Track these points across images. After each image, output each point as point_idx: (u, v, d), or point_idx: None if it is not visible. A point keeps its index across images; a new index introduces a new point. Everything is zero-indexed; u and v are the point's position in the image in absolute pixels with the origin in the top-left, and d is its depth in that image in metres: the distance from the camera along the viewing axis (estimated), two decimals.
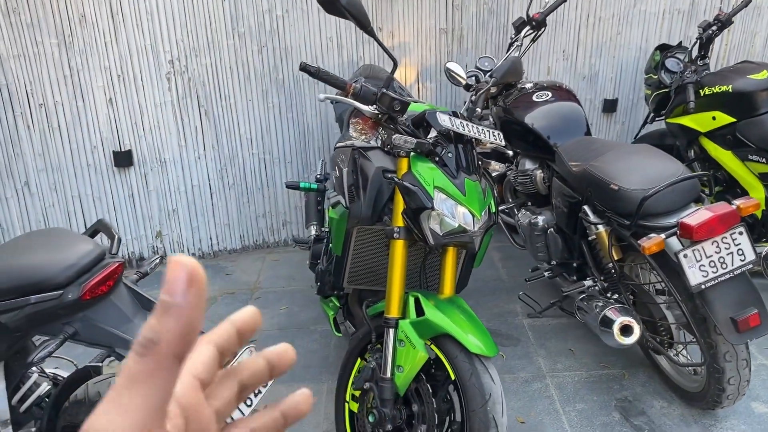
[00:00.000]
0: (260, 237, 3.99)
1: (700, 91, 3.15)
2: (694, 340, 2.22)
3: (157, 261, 1.71)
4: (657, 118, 3.62)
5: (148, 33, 3.35)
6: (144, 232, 3.72)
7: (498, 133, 2.01)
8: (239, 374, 0.37)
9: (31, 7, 3.15)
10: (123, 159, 3.51)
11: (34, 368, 1.91)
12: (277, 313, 3.22)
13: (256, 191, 3.87)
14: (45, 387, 1.87)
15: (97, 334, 1.40)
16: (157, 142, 3.57)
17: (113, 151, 3.49)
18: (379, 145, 2.15)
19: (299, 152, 3.84)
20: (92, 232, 1.68)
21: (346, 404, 2.13)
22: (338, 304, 2.49)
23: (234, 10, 3.44)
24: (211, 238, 3.90)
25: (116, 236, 1.61)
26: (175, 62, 3.45)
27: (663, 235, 2.00)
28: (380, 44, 1.87)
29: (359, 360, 2.13)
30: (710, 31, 3.31)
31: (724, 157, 3.13)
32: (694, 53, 3.38)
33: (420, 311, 1.86)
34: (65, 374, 2.02)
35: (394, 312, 1.89)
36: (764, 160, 2.92)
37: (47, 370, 2.00)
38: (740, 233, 1.96)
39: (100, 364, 1.92)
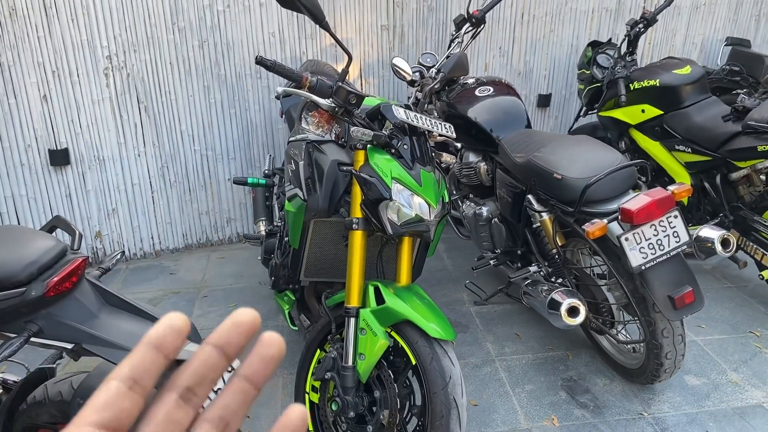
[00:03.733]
0: (204, 235, 3.94)
1: (630, 85, 3.33)
2: (634, 318, 2.36)
3: (118, 257, 1.69)
4: (589, 112, 3.79)
5: (84, 27, 3.25)
6: (82, 232, 3.60)
7: (449, 126, 2.08)
8: (176, 382, 0.33)
9: None
10: (59, 157, 3.39)
11: None
12: (226, 311, 3.19)
13: (198, 188, 3.81)
14: None
15: (62, 331, 1.37)
16: (95, 140, 3.47)
17: (49, 150, 3.37)
18: (332, 138, 2.19)
19: (243, 148, 3.81)
20: (49, 228, 1.64)
21: (306, 395, 2.16)
22: (293, 298, 2.51)
23: (174, 5, 3.38)
24: (152, 237, 3.82)
25: (76, 232, 1.58)
26: (113, 57, 3.36)
27: (605, 221, 2.12)
28: (335, 38, 1.90)
29: (318, 351, 2.16)
30: (637, 29, 3.50)
31: (653, 147, 3.32)
32: (623, 49, 3.56)
33: (380, 300, 1.91)
34: (15, 378, 1.95)
35: (354, 301, 1.93)
36: (689, 149, 3.12)
37: None
38: (675, 216, 2.11)
39: (54, 366, 1.88)
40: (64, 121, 3.36)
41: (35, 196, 3.43)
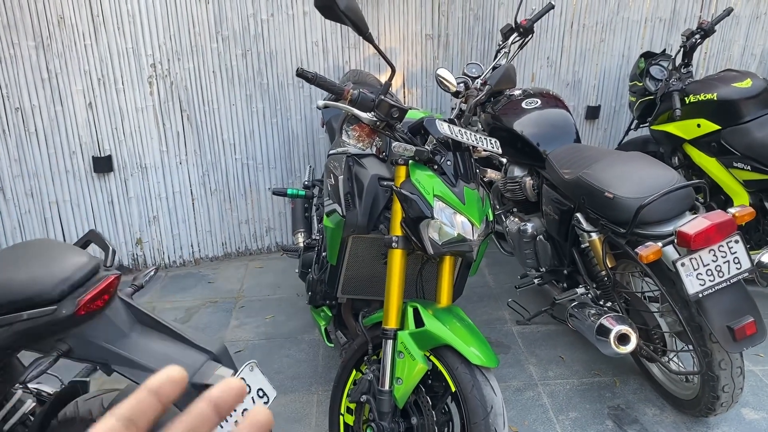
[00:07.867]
0: (243, 244, 3.92)
1: (685, 98, 3.18)
2: (688, 347, 2.22)
3: (152, 273, 1.65)
4: (641, 125, 3.65)
5: (129, 36, 3.27)
6: (124, 239, 3.62)
7: (495, 141, 1.99)
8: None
9: (8, 8, 3.05)
10: (102, 164, 3.42)
11: (17, 384, 1.83)
12: (263, 322, 3.15)
13: (239, 197, 3.80)
14: (30, 404, 1.79)
15: (91, 351, 1.33)
16: (138, 148, 3.49)
17: (92, 157, 3.40)
18: (373, 152, 2.12)
19: (283, 158, 3.78)
20: (83, 243, 1.62)
21: (341, 417, 2.09)
22: (330, 314, 2.45)
23: (218, 14, 3.38)
24: (192, 246, 3.82)
25: (110, 248, 1.54)
26: (157, 66, 3.37)
27: (660, 244, 1.99)
28: (378, 50, 1.83)
29: (354, 371, 2.09)
30: (694, 39, 3.35)
31: (709, 164, 3.16)
32: (678, 61, 3.41)
33: (419, 321, 1.83)
34: (50, 390, 1.94)
35: (392, 323, 1.85)
36: (749, 167, 2.96)
37: (30, 386, 1.92)
38: (736, 241, 1.97)
39: (87, 380, 1.85)
40: (108, 129, 3.39)
41: (78, 202, 3.46)
